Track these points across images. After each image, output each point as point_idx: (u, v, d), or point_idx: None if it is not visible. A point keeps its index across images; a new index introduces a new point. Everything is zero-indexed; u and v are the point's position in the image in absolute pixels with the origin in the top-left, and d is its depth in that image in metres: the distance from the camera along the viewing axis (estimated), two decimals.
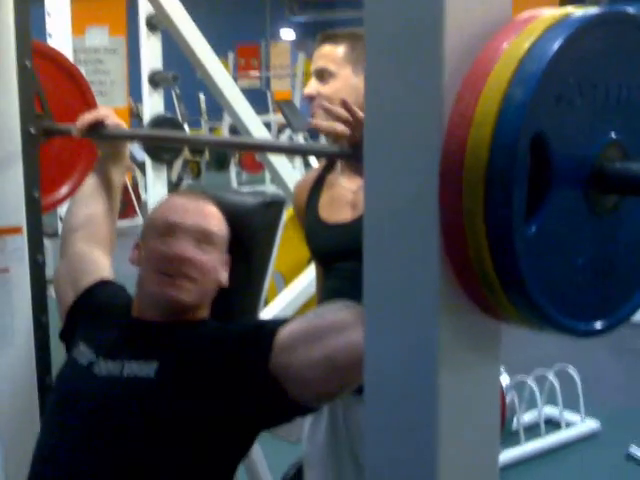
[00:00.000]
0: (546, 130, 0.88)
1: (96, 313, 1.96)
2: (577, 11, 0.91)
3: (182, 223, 1.86)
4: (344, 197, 2.25)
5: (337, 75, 2.21)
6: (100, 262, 2.09)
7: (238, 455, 1.80)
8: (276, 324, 1.73)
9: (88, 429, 1.74)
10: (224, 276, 1.91)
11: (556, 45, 0.87)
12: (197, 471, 1.71)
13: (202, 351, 1.76)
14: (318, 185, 2.34)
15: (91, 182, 2.23)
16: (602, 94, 0.93)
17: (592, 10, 0.91)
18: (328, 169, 2.32)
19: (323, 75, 2.23)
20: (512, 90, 0.87)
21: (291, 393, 1.66)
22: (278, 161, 3.38)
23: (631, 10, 0.94)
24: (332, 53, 2.23)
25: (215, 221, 1.91)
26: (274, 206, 2.05)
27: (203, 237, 1.87)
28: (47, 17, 3.05)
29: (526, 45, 0.88)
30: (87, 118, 2.11)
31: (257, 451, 2.41)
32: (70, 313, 2.03)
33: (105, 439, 1.72)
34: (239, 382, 1.70)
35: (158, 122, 3.34)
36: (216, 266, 1.88)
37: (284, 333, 1.69)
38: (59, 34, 3.10)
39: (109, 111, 2.16)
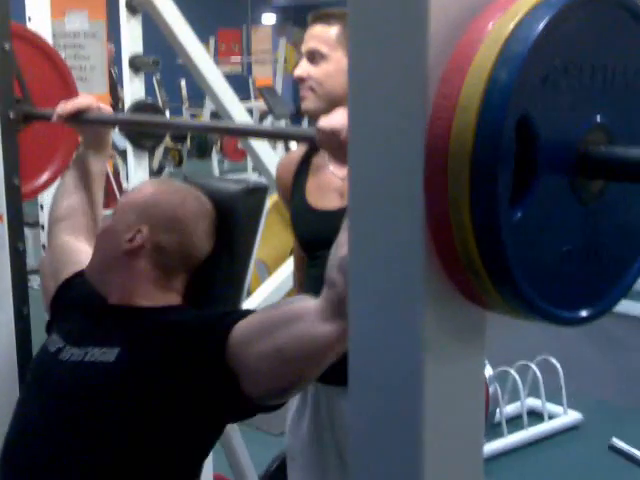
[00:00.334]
0: (532, 112, 0.86)
1: (73, 303, 1.96)
2: None
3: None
4: (332, 183, 2.22)
5: (329, 57, 2.17)
6: (83, 252, 2.08)
7: (200, 445, 1.78)
8: (237, 316, 1.71)
9: (49, 414, 1.75)
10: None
11: (541, 25, 0.85)
12: (154, 458, 1.70)
13: (161, 338, 1.74)
14: (304, 166, 2.31)
15: (73, 172, 2.21)
16: (588, 76, 0.91)
17: None
18: (314, 150, 2.28)
19: (314, 57, 2.19)
20: (497, 71, 0.85)
21: (244, 388, 1.64)
22: (260, 148, 3.36)
23: None
24: (324, 34, 2.19)
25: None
26: (257, 193, 2.03)
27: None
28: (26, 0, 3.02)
29: (511, 25, 0.86)
30: (68, 108, 2.08)
31: (239, 443, 2.40)
32: (52, 304, 2.02)
33: (65, 424, 1.72)
34: (194, 373, 1.68)
35: (139, 108, 3.31)
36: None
37: (241, 326, 1.67)
38: (38, 17, 3.06)
39: (91, 100, 2.13)
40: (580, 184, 0.92)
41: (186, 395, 1.68)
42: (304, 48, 2.23)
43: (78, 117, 2.09)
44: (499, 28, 0.86)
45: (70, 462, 1.69)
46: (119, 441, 1.68)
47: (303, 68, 2.20)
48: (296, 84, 2.27)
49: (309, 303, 1.59)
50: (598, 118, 0.92)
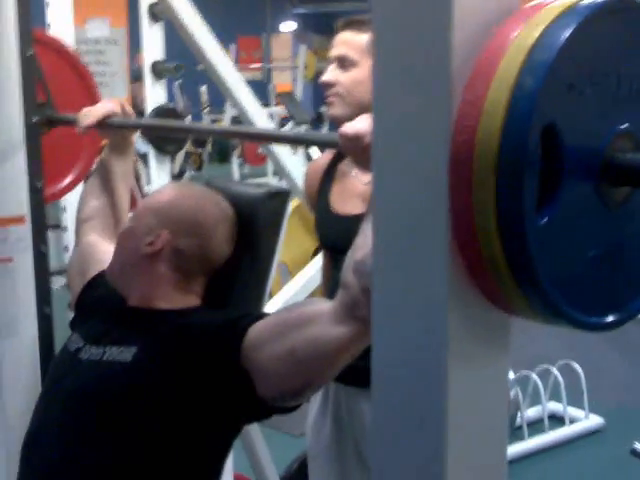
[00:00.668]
0: (557, 120, 0.86)
1: (96, 302, 1.98)
2: None
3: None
4: (356, 188, 2.22)
5: (358, 64, 2.16)
6: (108, 252, 2.09)
7: (218, 447, 1.79)
8: (253, 318, 1.71)
9: (67, 412, 1.76)
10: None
11: (567, 33, 0.85)
12: (170, 458, 1.70)
13: (177, 339, 1.75)
14: (330, 173, 2.32)
15: (98, 174, 2.23)
16: (614, 84, 0.91)
17: None
18: (340, 157, 2.28)
19: (344, 63, 2.18)
20: (523, 79, 0.85)
21: (257, 389, 1.65)
22: (281, 153, 3.36)
23: None
24: (355, 40, 2.17)
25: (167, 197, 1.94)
26: (279, 197, 2.03)
27: None
28: (46, 7, 3.05)
29: (536, 33, 0.86)
30: (89, 121, 2.10)
31: (260, 443, 2.41)
32: (78, 303, 2.04)
33: (82, 422, 1.73)
34: (209, 374, 1.68)
35: (160, 113, 3.32)
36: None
37: (256, 328, 1.67)
38: (60, 24, 3.09)
39: (114, 105, 2.14)
40: (606, 191, 0.92)
41: (201, 396, 1.69)
42: (333, 53, 2.21)
43: (102, 123, 2.10)
44: (525, 35, 0.87)
45: (86, 460, 1.69)
46: (135, 440, 1.69)
47: (332, 73, 2.19)
48: (321, 89, 2.25)
49: (323, 305, 1.60)
50: (624, 125, 0.92)
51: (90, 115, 2.10)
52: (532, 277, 0.87)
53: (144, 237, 1.86)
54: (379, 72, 0.97)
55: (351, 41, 2.17)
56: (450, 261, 0.91)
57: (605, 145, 0.91)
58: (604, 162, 0.91)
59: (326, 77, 2.19)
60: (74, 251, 2.19)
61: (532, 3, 0.92)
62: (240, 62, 15.92)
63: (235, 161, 13.22)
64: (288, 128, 9.69)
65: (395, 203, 0.96)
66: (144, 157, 6.22)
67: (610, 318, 0.96)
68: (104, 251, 2.09)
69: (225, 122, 12.55)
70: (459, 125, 0.88)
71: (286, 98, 10.74)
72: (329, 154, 2.37)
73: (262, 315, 1.74)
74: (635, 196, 0.95)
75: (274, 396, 1.66)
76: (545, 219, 0.87)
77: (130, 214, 2.17)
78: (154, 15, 3.30)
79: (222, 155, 13.39)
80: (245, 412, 1.74)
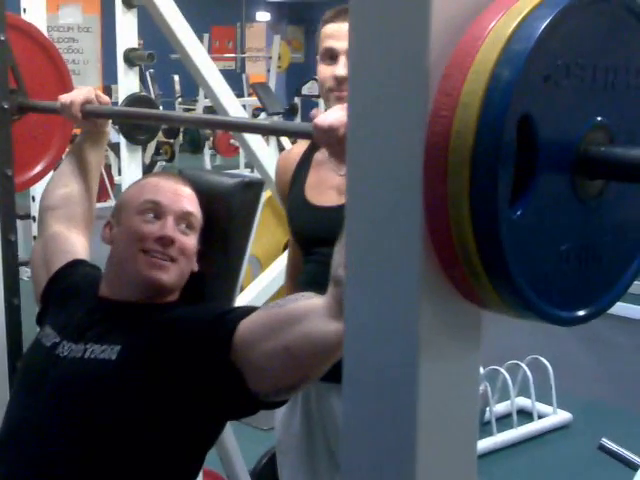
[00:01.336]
0: (533, 111, 0.86)
1: (65, 294, 1.95)
2: None
3: (168, 205, 1.85)
4: (331, 180, 2.21)
5: None
6: (76, 243, 2.07)
7: (202, 443, 1.78)
8: (241, 313, 1.71)
9: (51, 410, 1.73)
10: (195, 262, 1.90)
11: (544, 24, 0.84)
12: (157, 456, 1.70)
13: (163, 336, 1.74)
14: (305, 163, 2.30)
15: (69, 161, 2.20)
16: (590, 76, 0.91)
17: None
18: (315, 146, 2.26)
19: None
20: (499, 70, 0.84)
21: (251, 385, 1.64)
22: (255, 143, 3.35)
23: None
24: None
25: (195, 205, 1.91)
26: (253, 187, 2.02)
27: (187, 220, 1.86)
28: None
29: (513, 24, 0.86)
30: (77, 101, 2.07)
31: (230, 439, 2.40)
32: (43, 295, 2.01)
33: (67, 421, 1.71)
34: (198, 370, 1.68)
35: (133, 101, 3.29)
36: (195, 251, 1.88)
37: (245, 324, 1.66)
38: (34, 10, 3.05)
39: (89, 91, 2.12)
40: (580, 184, 0.91)
41: (189, 391, 1.68)
42: (340, 46, 2.14)
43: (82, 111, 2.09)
44: (502, 26, 0.86)
45: (71, 457, 1.68)
46: (123, 437, 1.68)
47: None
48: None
49: (315, 301, 1.59)
50: (599, 118, 0.92)
51: (74, 103, 2.07)
52: (504, 270, 0.86)
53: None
54: (355, 62, 0.96)
55: None
56: (423, 253, 0.90)
57: (580, 137, 0.90)
58: (579, 155, 0.90)
59: (344, 72, 2.13)
60: (37, 242, 2.16)
61: None
62: (213, 52, 15.86)
63: (207, 152, 13.18)
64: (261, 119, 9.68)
65: (369, 194, 0.95)
66: (116, 147, 6.18)
67: (581, 312, 0.96)
68: (71, 241, 2.06)
69: (198, 111, 12.50)
70: (435, 115, 0.88)
71: (259, 88, 10.72)
72: (303, 144, 2.35)
73: (251, 310, 1.72)
74: (609, 190, 0.94)
75: (267, 391, 1.66)
76: (519, 211, 0.86)
77: (98, 205, 2.15)
78: (128, 1, 3.26)
79: (194, 146, 13.35)
80: (234, 407, 1.73)
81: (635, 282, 1.03)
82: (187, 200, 1.89)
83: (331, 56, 2.16)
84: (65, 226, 2.10)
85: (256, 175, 3.78)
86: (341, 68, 2.13)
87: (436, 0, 0.88)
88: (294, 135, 2.17)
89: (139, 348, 1.73)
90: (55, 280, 2.00)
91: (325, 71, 2.18)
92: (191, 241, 1.86)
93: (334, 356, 1.55)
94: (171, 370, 1.68)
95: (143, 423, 1.68)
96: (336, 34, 2.16)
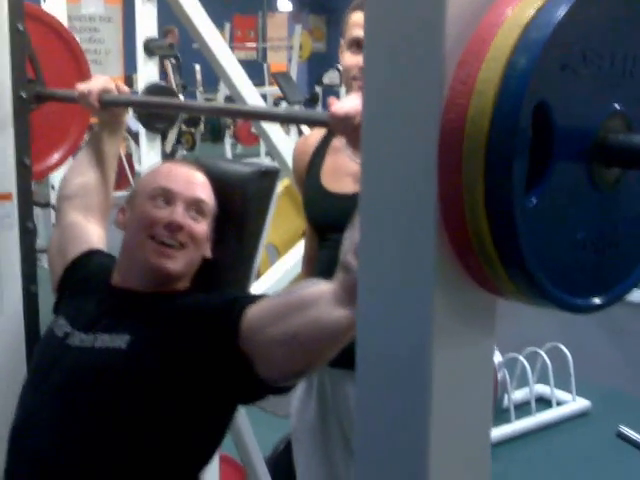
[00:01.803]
0: (549, 99, 0.85)
1: (79, 284, 1.96)
2: None
3: (179, 191, 1.85)
4: (348, 167, 2.21)
5: None
6: (92, 232, 2.08)
7: (213, 428, 1.79)
8: (248, 300, 1.71)
9: (61, 399, 1.74)
10: (208, 249, 1.90)
11: (561, 11, 0.84)
12: (168, 442, 1.70)
13: (173, 324, 1.75)
14: (322, 149, 2.30)
15: (87, 151, 2.21)
16: (607, 64, 0.90)
17: None
18: (333, 133, 2.26)
19: None
20: (516, 58, 0.84)
21: (259, 371, 1.65)
22: (274, 132, 3.35)
23: None
24: None
25: (208, 192, 1.90)
26: (268, 175, 2.02)
27: (197, 207, 1.86)
28: None
29: (531, 11, 0.85)
30: (95, 90, 2.08)
31: (246, 426, 2.40)
32: (59, 284, 2.02)
33: (78, 410, 1.72)
34: (207, 357, 1.69)
35: (153, 91, 3.30)
36: (206, 237, 1.87)
37: (253, 311, 1.67)
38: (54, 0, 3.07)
39: (106, 81, 2.12)
40: (597, 172, 0.91)
41: (199, 378, 1.69)
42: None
43: (100, 101, 2.10)
44: (519, 13, 0.85)
45: (82, 446, 1.68)
46: (133, 426, 1.68)
47: None
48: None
49: (323, 287, 1.59)
50: (616, 106, 0.91)
51: (92, 92, 2.08)
52: (519, 259, 0.86)
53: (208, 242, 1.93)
54: (370, 48, 0.96)
55: None
56: (438, 241, 0.90)
57: (597, 125, 0.90)
58: (595, 143, 0.90)
59: None
60: (55, 231, 2.16)
61: None
62: (235, 41, 15.86)
63: (228, 141, 13.19)
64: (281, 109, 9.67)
65: (384, 181, 0.95)
66: (136, 136, 6.19)
67: (597, 300, 0.96)
68: (87, 230, 2.07)
69: (219, 101, 12.51)
70: (450, 103, 0.87)
71: (281, 78, 10.70)
72: (321, 130, 2.35)
73: (259, 297, 1.74)
74: (626, 178, 0.94)
75: (275, 377, 1.67)
76: (534, 200, 0.86)
77: (118, 193, 2.16)
78: None
79: (215, 135, 13.36)
80: (243, 393, 1.74)
81: None
82: (199, 187, 1.89)
83: (358, 45, 2.16)
84: (83, 215, 2.10)
85: (273, 163, 3.78)
86: None
87: None
88: (310, 123, 2.17)
89: (149, 337, 1.74)
90: (70, 269, 2.01)
91: (350, 59, 2.18)
92: (201, 227, 1.86)
93: (341, 342, 1.56)
94: (180, 358, 1.69)
95: (154, 409, 1.68)
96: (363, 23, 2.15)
